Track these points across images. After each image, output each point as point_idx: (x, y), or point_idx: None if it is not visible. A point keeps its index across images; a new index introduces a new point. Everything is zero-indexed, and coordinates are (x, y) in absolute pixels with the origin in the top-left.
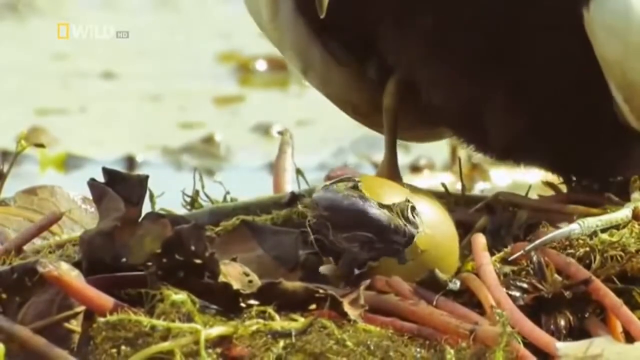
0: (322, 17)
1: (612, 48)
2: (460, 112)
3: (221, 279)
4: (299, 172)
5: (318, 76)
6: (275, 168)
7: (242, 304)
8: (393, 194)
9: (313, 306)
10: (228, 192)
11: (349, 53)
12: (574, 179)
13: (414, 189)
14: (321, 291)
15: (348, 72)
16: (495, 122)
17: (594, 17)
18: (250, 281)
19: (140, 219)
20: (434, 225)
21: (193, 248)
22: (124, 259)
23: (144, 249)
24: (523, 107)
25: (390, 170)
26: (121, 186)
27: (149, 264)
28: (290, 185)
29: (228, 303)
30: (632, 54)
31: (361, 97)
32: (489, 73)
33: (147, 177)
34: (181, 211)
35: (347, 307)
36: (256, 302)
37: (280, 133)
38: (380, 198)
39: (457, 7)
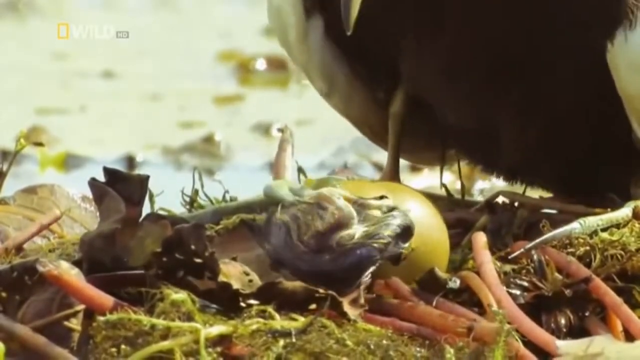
0: (348, 34)
1: (634, 84)
2: (473, 130)
3: (221, 278)
4: (300, 170)
5: (341, 97)
6: (275, 165)
7: (242, 304)
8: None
9: (313, 306)
10: (227, 191)
11: (372, 75)
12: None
13: (397, 188)
14: (321, 291)
15: (368, 94)
16: (507, 142)
17: (617, 52)
18: (250, 280)
19: (140, 220)
20: (420, 222)
21: (193, 247)
22: (124, 260)
23: (145, 251)
24: (537, 128)
25: (392, 176)
26: (122, 186)
27: (150, 264)
28: None
29: (228, 302)
30: None
31: (378, 118)
32: (506, 93)
33: (147, 177)
34: (181, 211)
35: (347, 307)
36: (256, 302)
37: (281, 130)
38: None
39: (477, 28)
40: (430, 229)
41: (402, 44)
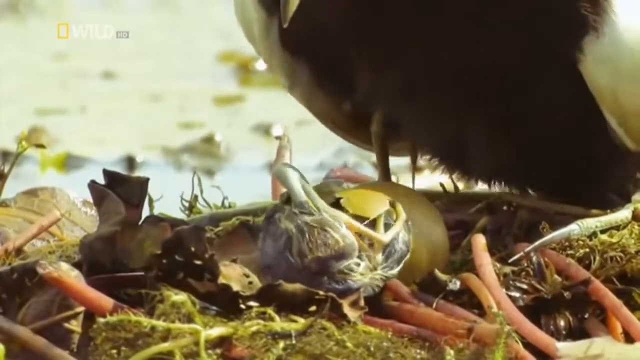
0: (284, 26)
1: (603, 75)
2: (442, 147)
3: (221, 280)
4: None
5: (303, 95)
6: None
7: (242, 306)
8: (375, 205)
9: (313, 308)
10: (226, 198)
11: (331, 84)
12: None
13: (398, 190)
14: (321, 293)
15: (330, 96)
16: (478, 156)
17: (587, 54)
18: (250, 282)
19: (140, 222)
20: (419, 223)
21: (193, 249)
22: (124, 262)
23: (144, 253)
24: (508, 143)
25: None
26: (122, 188)
27: (149, 266)
28: None
29: (228, 304)
30: (622, 78)
31: (342, 116)
32: (473, 111)
33: (147, 179)
34: (179, 216)
35: (347, 309)
36: (256, 304)
37: (278, 138)
38: (364, 211)
39: (441, 47)
40: (430, 229)
41: (357, 57)
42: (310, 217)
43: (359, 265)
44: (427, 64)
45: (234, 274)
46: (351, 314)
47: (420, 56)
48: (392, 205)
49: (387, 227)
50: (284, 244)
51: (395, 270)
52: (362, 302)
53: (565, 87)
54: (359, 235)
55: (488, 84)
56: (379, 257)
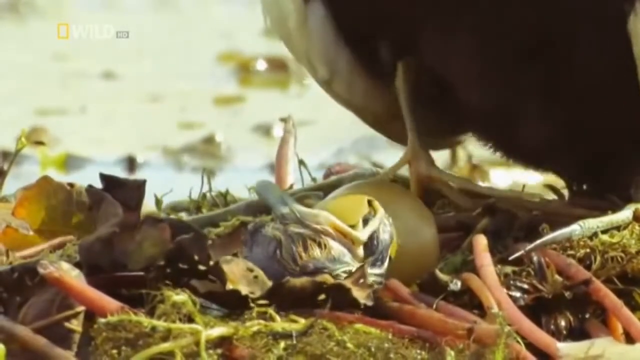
0: None
1: None
2: (494, 112)
3: (229, 286)
4: (301, 162)
5: (344, 83)
6: (277, 157)
7: (252, 304)
8: (354, 211)
9: (322, 296)
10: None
11: (374, 56)
12: (595, 186)
13: (384, 189)
14: (328, 282)
15: (372, 80)
16: (528, 124)
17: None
18: (255, 277)
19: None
20: (407, 222)
21: (196, 258)
22: (123, 264)
23: (144, 254)
24: (559, 110)
25: (415, 150)
26: (119, 191)
27: (150, 268)
28: (292, 176)
29: (238, 306)
30: None
31: (383, 105)
32: (529, 73)
33: (144, 181)
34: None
35: (355, 292)
36: (266, 302)
37: (283, 120)
38: (342, 219)
39: (503, 5)
40: (418, 228)
41: (422, 21)
42: (297, 227)
43: (350, 272)
44: (489, 19)
45: (238, 271)
46: (360, 295)
47: (483, 12)
48: (370, 203)
49: (367, 223)
50: (273, 250)
51: (384, 266)
52: (367, 279)
53: (610, 49)
54: (342, 234)
55: (545, 40)
56: (360, 251)
